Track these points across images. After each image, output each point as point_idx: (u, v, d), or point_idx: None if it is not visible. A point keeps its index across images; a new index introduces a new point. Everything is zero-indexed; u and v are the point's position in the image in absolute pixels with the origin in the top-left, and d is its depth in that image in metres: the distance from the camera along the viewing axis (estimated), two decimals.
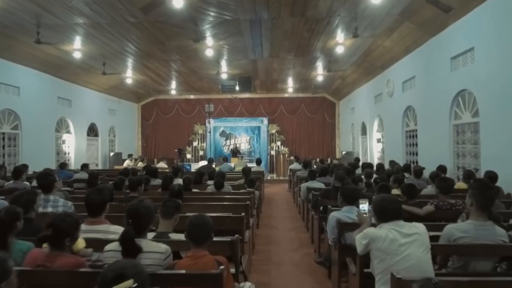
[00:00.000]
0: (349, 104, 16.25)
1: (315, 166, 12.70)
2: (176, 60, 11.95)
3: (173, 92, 17.57)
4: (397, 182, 5.64)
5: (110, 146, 16.24)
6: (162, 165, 12.61)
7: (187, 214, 4.04)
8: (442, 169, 6.82)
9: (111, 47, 10.39)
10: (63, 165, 8.79)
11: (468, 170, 6.22)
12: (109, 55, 11.18)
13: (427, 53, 8.40)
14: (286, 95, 18.68)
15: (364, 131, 14.06)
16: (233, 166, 12.25)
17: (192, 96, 18.99)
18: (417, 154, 9.27)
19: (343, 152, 14.93)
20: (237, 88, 14.44)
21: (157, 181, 6.52)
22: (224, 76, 13.58)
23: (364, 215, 2.73)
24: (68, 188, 6.01)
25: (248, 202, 4.23)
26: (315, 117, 18.75)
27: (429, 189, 5.56)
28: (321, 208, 4.87)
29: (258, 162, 10.37)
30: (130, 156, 13.68)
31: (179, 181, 5.97)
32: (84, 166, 8.48)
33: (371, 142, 12.93)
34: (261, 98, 18.81)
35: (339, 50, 10.07)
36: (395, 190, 5.47)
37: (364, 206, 2.76)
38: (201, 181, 6.51)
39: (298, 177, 8.36)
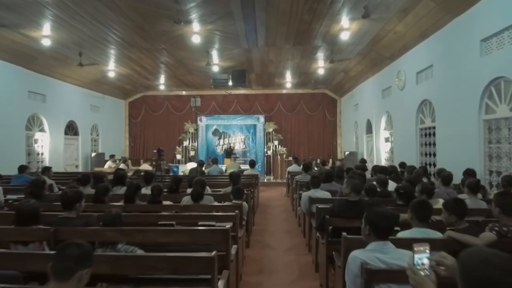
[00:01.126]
0: (352, 101, 15.02)
1: (315, 168, 11.47)
2: (161, 50, 10.67)
3: (162, 87, 16.28)
4: (425, 192, 4.40)
5: (93, 146, 14.95)
6: (146, 167, 11.35)
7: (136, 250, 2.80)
8: (470, 173, 5.60)
9: (85, 34, 9.12)
10: (22, 168, 7.48)
11: (508, 176, 4.99)
12: (85, 44, 9.91)
13: (449, 36, 7.16)
14: (284, 91, 17.43)
15: (369, 130, 12.83)
16: (224, 168, 11.01)
17: (184, 92, 17.70)
18: (434, 155, 8.04)
19: (346, 153, 13.71)
20: (230, 83, 13.17)
21: (124, 190, 5.24)
22: (215, 68, 12.30)
23: (423, 273, 1.48)
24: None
25: (227, 226, 2.96)
26: (315, 115, 17.51)
27: (467, 203, 4.31)
28: (329, 229, 3.62)
29: (252, 164, 9.09)
30: (112, 157, 12.38)
31: (149, 190, 4.71)
32: (46, 170, 7.20)
33: (377, 142, 11.69)
34: (257, 95, 17.55)
35: (344, 36, 8.81)
36: None
37: (423, 256, 1.51)
38: (178, 190, 5.24)
39: (298, 182, 7.10)
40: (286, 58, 11.72)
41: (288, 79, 14.99)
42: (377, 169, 6.62)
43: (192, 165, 10.54)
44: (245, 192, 5.38)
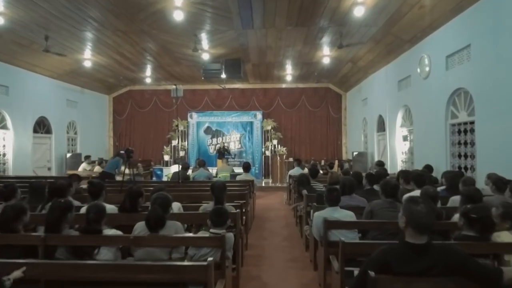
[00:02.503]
0: (360, 95, 13.46)
1: (321, 172, 9.92)
2: (140, 32, 9.09)
3: (149, 80, 14.67)
4: (509, 218, 2.86)
5: (70, 145, 13.36)
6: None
7: None
8: None
9: (47, 12, 7.57)
10: None
11: None
12: (50, 25, 8.36)
13: (496, 5, 5.60)
14: (284, 85, 15.87)
15: (381, 127, 11.28)
16: (215, 172, 9.44)
17: (174, 87, 16.08)
18: (472, 157, 6.48)
19: (355, 153, 12.15)
20: (223, 74, 11.60)
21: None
22: (205, 56, 10.72)
23: None
24: None
25: None
26: (318, 112, 15.95)
27: None
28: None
29: (246, 167, 7.45)
30: (87, 158, 10.72)
31: (102, 205, 3.12)
32: None
33: (392, 140, 10.14)
34: (254, 89, 15.98)
35: (358, 12, 7.24)
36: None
37: None
38: (137, 208, 3.66)
39: (307, 196, 5.49)
40: (287, 44, 10.14)
41: (289, 71, 13.42)
42: (409, 176, 5.03)
43: (177, 168, 8.96)
44: (234, 211, 3.81)
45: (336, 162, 12.67)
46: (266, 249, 5.49)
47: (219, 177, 8.98)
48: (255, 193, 8.29)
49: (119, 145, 16.21)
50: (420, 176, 4.74)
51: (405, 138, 9.40)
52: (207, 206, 4.05)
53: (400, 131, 9.78)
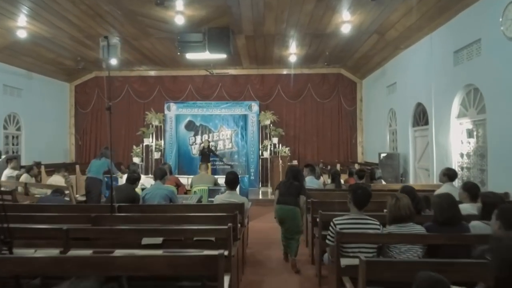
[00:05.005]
0: (384, 80, 10.51)
1: (342, 182, 6.94)
2: None
3: (116, 63, 11.56)
4: None
5: (10, 145, 10.31)
6: (56, 179, 6.73)
7: None
8: None
9: None
10: None
11: None
12: None
13: None
14: (286, 71, 12.89)
15: (420, 119, 8.33)
16: (190, 183, 6.44)
17: (152, 73, 13.12)
18: None
19: (382, 155, 9.16)
20: (206, 49, 8.60)
21: None
22: (179, 21, 7.66)
23: None
24: None
25: None
26: (328, 103, 12.99)
27: None
28: None
29: (231, 182, 4.25)
30: (10, 160, 7.48)
31: None
32: None
33: (441, 137, 7.20)
34: (250, 76, 13.00)
35: None
36: None
37: None
38: None
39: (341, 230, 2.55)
40: (294, 1, 7.14)
41: (293, 49, 10.42)
42: None
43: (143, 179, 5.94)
44: None
45: (356, 166, 9.68)
46: None
47: (195, 192, 6.00)
48: (248, 217, 5.29)
49: (82, 144, 13.19)
50: None
51: (470, 134, 6.41)
52: None
53: (457, 123, 6.81)
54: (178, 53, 8.75)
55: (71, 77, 12.92)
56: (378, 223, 3.01)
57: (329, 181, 7.11)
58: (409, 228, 2.84)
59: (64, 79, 12.84)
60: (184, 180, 7.45)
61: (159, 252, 2.85)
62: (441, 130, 7.23)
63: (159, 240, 3.10)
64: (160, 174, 4.62)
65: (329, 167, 10.48)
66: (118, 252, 2.75)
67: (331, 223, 3.06)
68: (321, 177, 7.07)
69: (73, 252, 2.88)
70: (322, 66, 12.48)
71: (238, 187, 7.10)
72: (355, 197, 3.04)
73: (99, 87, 13.14)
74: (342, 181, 6.82)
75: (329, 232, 3.07)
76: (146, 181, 6.77)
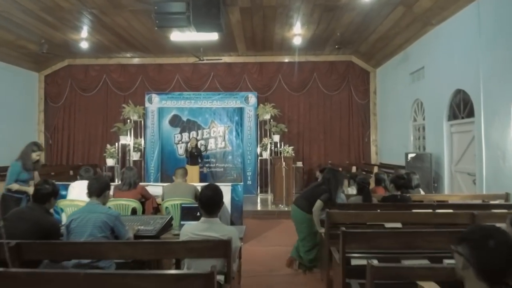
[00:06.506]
0: (407, 66, 8.80)
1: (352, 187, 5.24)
2: None
3: (88, 47, 9.73)
4: None
5: None
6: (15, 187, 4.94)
7: None
8: None
9: None
10: None
11: None
12: None
13: None
14: (288, 58, 11.18)
15: (460, 111, 6.62)
16: (161, 194, 4.68)
17: (135, 60, 11.36)
18: None
19: (410, 156, 7.41)
20: (191, 23, 6.83)
21: None
22: None
23: None
24: None
25: None
26: (336, 96, 11.27)
27: None
28: None
29: (209, 205, 2.37)
30: None
31: None
32: None
33: (495, 133, 5.49)
34: (246, 64, 11.26)
35: None
36: None
37: None
38: None
39: None
40: None
41: (297, 29, 8.70)
42: None
43: (81, 185, 4.16)
44: None
45: (376, 169, 7.94)
46: None
47: (166, 208, 4.27)
48: (240, 259, 3.56)
49: (53, 144, 11.43)
50: None
51: None
52: None
53: None
54: (156, 28, 6.97)
55: (39, 65, 11.15)
56: None
57: (349, 190, 5.38)
58: None
59: (32, 68, 11.07)
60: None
61: None
62: (495, 123, 5.51)
63: None
64: (98, 188, 2.87)
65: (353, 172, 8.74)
66: None
67: None
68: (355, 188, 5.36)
69: None
70: (330, 52, 10.80)
71: (229, 198, 5.47)
72: (481, 259, 1.32)
73: (72, 77, 11.38)
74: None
75: None
76: (79, 185, 4.58)
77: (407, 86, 8.80)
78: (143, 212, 4.53)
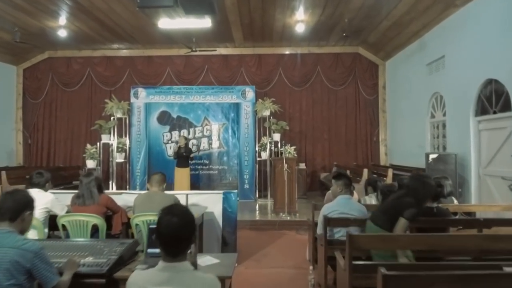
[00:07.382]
0: (424, 56, 7.85)
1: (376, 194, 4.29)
2: None
3: (67, 36, 8.72)
4: None
5: None
6: None
7: None
8: None
9: None
10: None
11: None
12: None
13: None
14: (289, 50, 10.23)
15: (491, 105, 5.67)
16: (133, 205, 3.72)
17: (122, 53, 10.40)
18: None
19: (431, 158, 6.44)
20: (177, 2, 5.85)
21: None
22: None
23: None
24: None
25: None
26: (342, 91, 10.33)
27: None
28: None
29: (173, 245, 1.30)
30: None
31: None
32: None
33: None
34: (244, 56, 10.32)
35: None
36: None
37: None
38: None
39: None
40: None
41: (301, 14, 7.74)
42: None
43: (37, 193, 3.22)
44: None
45: (390, 172, 6.95)
46: None
47: (136, 225, 3.31)
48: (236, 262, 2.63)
49: (32, 143, 10.47)
50: None
51: None
52: None
53: None
54: (137, 9, 6.02)
55: (17, 58, 10.18)
56: None
57: (366, 199, 4.43)
58: None
59: (8, 61, 10.11)
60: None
61: None
62: None
63: None
64: (11, 208, 1.90)
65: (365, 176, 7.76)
66: None
67: None
68: (353, 191, 4.40)
69: None
70: (335, 43, 9.86)
71: (221, 209, 4.53)
72: None
73: (53, 70, 10.42)
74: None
75: None
76: (36, 193, 3.52)
77: (423, 78, 7.85)
78: (109, 230, 3.58)
